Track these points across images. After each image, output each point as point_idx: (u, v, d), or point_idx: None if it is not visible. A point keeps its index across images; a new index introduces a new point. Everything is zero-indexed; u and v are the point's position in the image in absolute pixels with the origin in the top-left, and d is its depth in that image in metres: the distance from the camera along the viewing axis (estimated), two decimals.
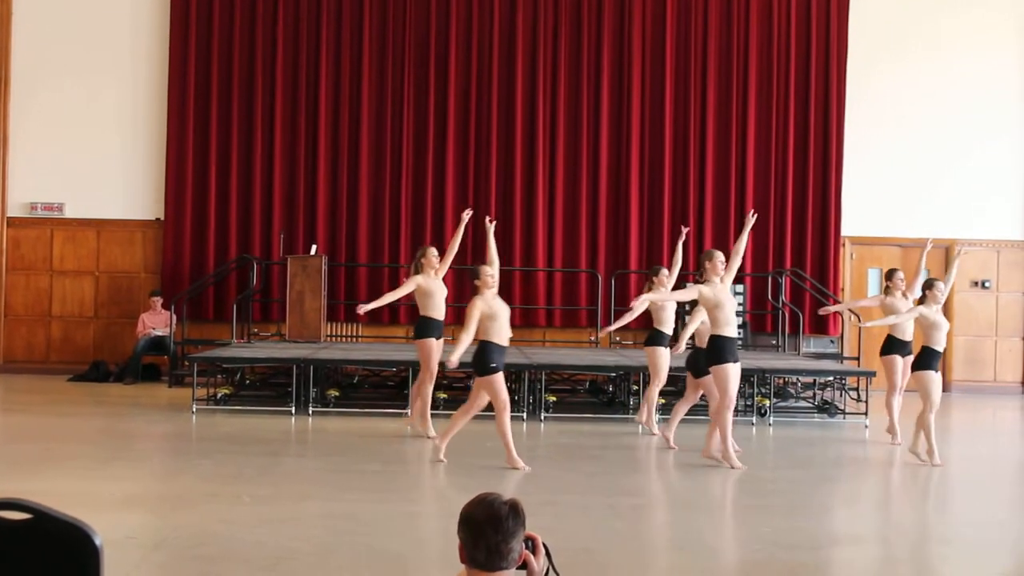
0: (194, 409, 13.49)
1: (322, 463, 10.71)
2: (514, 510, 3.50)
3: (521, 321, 17.41)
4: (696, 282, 10.82)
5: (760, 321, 18.21)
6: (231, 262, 18.01)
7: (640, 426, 13.00)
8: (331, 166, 18.25)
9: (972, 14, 18.78)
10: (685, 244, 13.10)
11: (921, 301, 11.38)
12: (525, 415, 13.50)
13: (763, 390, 14.54)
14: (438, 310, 11.84)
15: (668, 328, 12.46)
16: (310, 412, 13.73)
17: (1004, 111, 18.80)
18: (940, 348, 11.31)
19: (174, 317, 16.99)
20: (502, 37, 18.34)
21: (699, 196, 18.38)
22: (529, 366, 13.93)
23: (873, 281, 18.76)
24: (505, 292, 17.67)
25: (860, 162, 18.58)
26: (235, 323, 16.99)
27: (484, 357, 10.05)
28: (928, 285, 11.33)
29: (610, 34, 18.38)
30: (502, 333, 10.11)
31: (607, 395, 15.64)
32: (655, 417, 12.73)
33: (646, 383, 13.07)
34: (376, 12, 18.27)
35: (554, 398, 14.35)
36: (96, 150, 18.17)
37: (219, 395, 14.34)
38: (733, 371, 10.46)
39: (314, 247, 17.49)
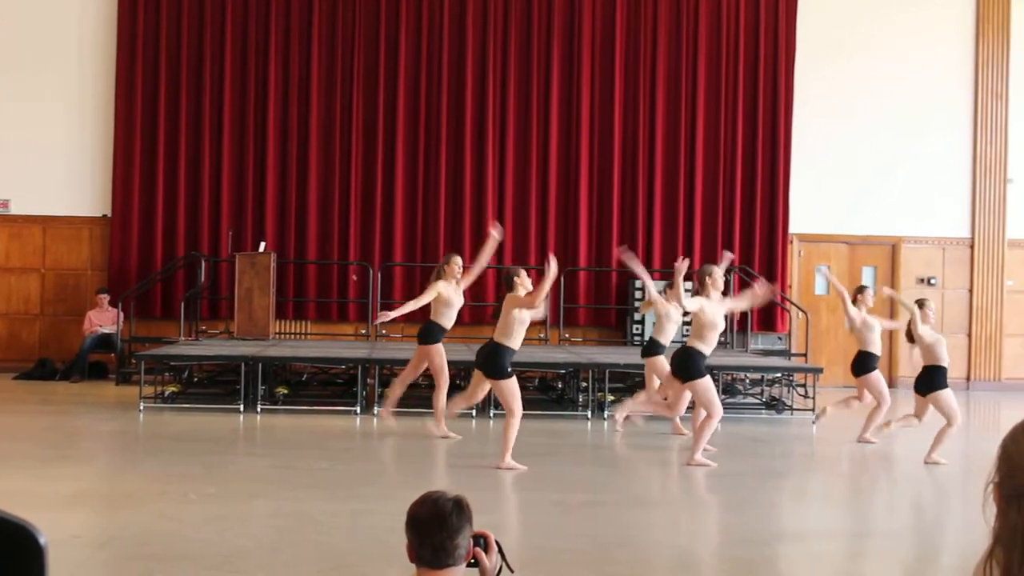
0: (141, 407, 13.38)
1: (270, 461, 10.67)
2: (459, 506, 3.50)
3: (470, 318, 17.37)
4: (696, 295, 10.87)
5: None
6: (179, 259, 17.88)
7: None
8: (280, 163, 18.14)
9: (918, 12, 18.91)
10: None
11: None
12: (474, 412, 13.47)
13: None
14: (449, 320, 11.85)
15: (667, 339, 12.48)
16: (258, 410, 13.65)
17: (950, 109, 18.97)
18: (947, 364, 11.41)
19: (121, 314, 16.86)
20: (452, 32, 18.30)
21: (648, 194, 18.42)
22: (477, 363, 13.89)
23: (820, 279, 18.89)
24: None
25: (808, 159, 18.68)
26: (183, 320, 16.86)
27: (500, 361, 10.15)
28: (920, 304, 11.41)
29: (560, 34, 18.36)
30: (520, 340, 10.24)
31: (556, 392, 15.68)
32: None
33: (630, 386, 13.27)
34: (325, 8, 18.19)
35: None
36: (42, 146, 17.93)
37: (167, 393, 14.23)
38: (710, 383, 10.66)
39: (263, 244, 17.39)
